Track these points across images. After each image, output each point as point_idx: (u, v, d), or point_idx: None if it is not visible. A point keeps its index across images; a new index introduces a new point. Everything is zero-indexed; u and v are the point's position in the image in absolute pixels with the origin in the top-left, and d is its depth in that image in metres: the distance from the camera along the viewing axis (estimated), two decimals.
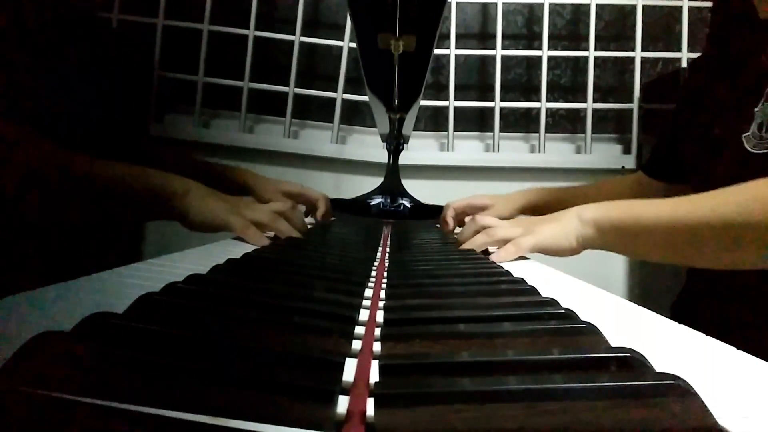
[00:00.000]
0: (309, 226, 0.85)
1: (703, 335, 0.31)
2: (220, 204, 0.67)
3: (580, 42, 1.44)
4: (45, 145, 0.62)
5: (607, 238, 0.62)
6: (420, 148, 1.43)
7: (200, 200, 0.67)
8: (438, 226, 0.98)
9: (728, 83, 0.73)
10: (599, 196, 0.93)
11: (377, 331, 0.28)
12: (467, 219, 0.74)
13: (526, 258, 0.65)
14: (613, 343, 0.26)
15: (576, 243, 0.62)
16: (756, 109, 0.66)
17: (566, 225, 0.63)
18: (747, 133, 0.66)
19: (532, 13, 1.47)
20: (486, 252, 0.66)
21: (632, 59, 1.40)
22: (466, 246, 0.66)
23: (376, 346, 0.26)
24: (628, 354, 0.22)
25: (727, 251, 0.56)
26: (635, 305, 0.39)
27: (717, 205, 0.55)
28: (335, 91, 1.40)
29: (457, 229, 0.90)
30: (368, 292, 0.38)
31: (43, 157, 0.61)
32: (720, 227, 0.54)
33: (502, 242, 0.64)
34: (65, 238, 0.75)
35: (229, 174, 0.97)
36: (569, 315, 0.30)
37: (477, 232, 0.67)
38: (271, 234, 0.69)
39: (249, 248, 0.58)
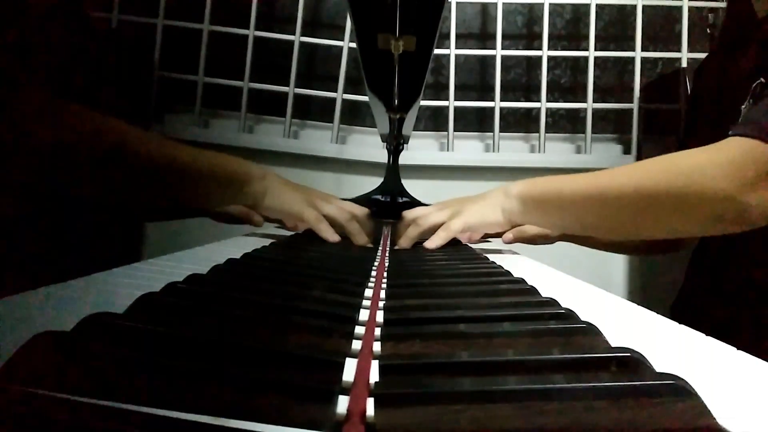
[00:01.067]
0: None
1: (703, 335, 0.31)
2: (297, 194, 0.67)
3: (580, 42, 1.44)
4: (115, 123, 0.60)
5: (530, 210, 0.63)
6: (420, 148, 1.43)
7: (277, 187, 0.67)
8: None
9: (728, 83, 0.72)
10: None
11: (377, 331, 0.28)
12: (401, 219, 0.74)
13: (517, 254, 0.65)
14: (613, 343, 0.26)
15: (503, 217, 0.64)
16: (743, 107, 0.66)
17: (492, 200, 0.64)
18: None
19: (532, 13, 1.47)
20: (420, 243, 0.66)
21: (632, 59, 1.40)
22: (401, 244, 0.66)
23: (376, 346, 0.26)
24: (628, 354, 0.22)
25: (642, 220, 0.56)
26: (635, 305, 0.39)
27: (633, 175, 0.56)
28: (335, 91, 1.40)
29: None
30: (368, 292, 0.38)
31: (120, 136, 0.59)
32: (635, 196, 0.54)
33: (433, 229, 0.64)
34: (65, 238, 0.74)
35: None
36: (569, 315, 0.30)
37: (407, 227, 0.68)
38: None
39: (249, 248, 0.58)
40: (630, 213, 0.56)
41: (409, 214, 0.69)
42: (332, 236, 0.64)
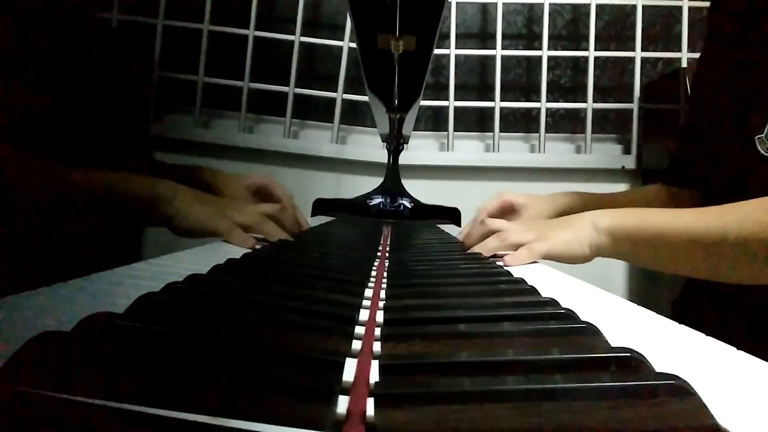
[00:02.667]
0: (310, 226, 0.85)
1: (703, 335, 0.31)
2: (207, 208, 0.65)
3: (580, 42, 1.45)
4: (23, 157, 0.61)
5: (621, 247, 0.60)
6: (420, 148, 1.43)
7: (187, 205, 0.65)
8: (459, 237, 0.89)
9: (733, 82, 0.72)
10: (635, 203, 0.90)
11: (377, 331, 0.28)
12: (477, 221, 0.70)
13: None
14: (613, 343, 0.26)
15: (589, 251, 0.61)
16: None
17: (580, 231, 0.61)
18: (761, 135, 0.65)
19: (532, 13, 1.47)
20: (494, 255, 0.63)
21: (632, 59, 1.40)
22: (476, 249, 0.63)
23: (376, 346, 0.26)
24: (628, 354, 0.22)
25: (748, 266, 0.55)
26: (635, 305, 0.39)
27: (743, 218, 0.54)
28: (335, 91, 1.40)
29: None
30: (368, 292, 0.38)
31: (22, 170, 0.60)
32: (744, 241, 0.53)
33: (514, 247, 0.61)
34: (65, 238, 0.74)
35: (192, 174, 0.91)
36: (569, 315, 0.30)
37: (486, 235, 0.64)
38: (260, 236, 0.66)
39: (249, 248, 0.58)
40: (740, 259, 0.55)
41: (491, 223, 0.65)
42: (245, 242, 0.61)
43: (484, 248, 0.63)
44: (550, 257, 0.61)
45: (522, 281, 0.42)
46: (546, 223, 0.66)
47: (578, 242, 0.61)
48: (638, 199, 0.92)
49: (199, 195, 0.67)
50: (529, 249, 0.59)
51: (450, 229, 1.01)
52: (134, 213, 0.67)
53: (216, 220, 0.64)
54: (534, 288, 0.39)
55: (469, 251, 0.64)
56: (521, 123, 1.48)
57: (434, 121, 1.48)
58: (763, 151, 0.64)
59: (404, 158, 1.21)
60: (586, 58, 1.40)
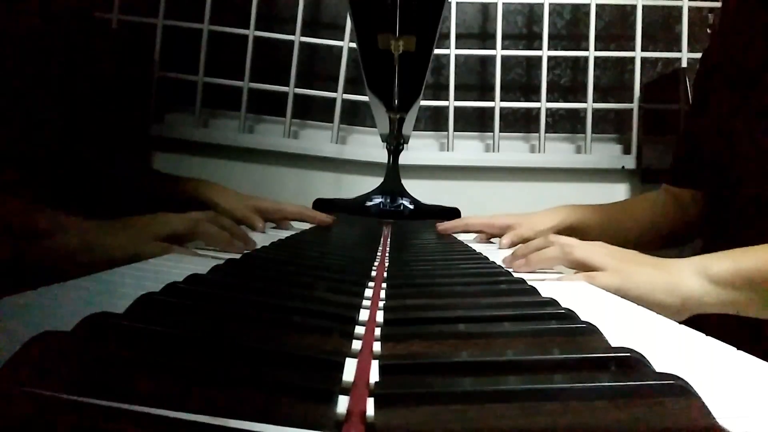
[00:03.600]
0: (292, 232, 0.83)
1: (703, 335, 0.31)
2: (119, 232, 0.54)
3: (580, 42, 1.44)
4: None
5: (740, 296, 0.49)
6: (420, 148, 1.43)
7: (89, 234, 0.53)
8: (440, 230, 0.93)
9: (741, 79, 0.71)
10: (635, 215, 0.89)
11: (377, 331, 0.28)
12: (539, 239, 0.59)
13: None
14: (613, 343, 0.26)
15: (681, 303, 0.49)
16: None
17: (677, 278, 0.49)
18: None
19: (532, 13, 1.47)
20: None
21: (632, 59, 1.40)
22: (531, 261, 0.53)
23: (376, 346, 0.26)
24: (628, 354, 0.22)
25: None
26: (635, 305, 0.39)
27: None
28: (335, 91, 1.40)
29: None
30: (368, 292, 0.38)
31: None
32: None
33: (576, 265, 0.51)
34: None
35: (186, 188, 0.83)
36: (569, 315, 0.30)
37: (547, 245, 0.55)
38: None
39: (249, 248, 0.58)
40: None
41: (557, 238, 0.56)
42: (221, 240, 0.55)
43: (542, 258, 0.53)
44: (619, 294, 0.47)
45: (522, 281, 0.42)
46: (630, 254, 0.53)
47: (671, 291, 0.49)
48: (645, 207, 0.91)
49: (105, 223, 0.56)
50: (589, 277, 0.49)
51: None
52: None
53: (139, 243, 0.53)
54: (534, 288, 0.39)
55: (519, 265, 0.54)
56: (521, 123, 1.48)
57: (434, 121, 1.48)
58: None
59: (404, 158, 1.21)
60: (586, 58, 1.40)
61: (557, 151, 1.44)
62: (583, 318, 0.30)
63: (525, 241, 0.66)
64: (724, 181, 0.72)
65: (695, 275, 0.50)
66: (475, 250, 0.64)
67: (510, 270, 0.53)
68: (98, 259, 0.51)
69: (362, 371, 0.22)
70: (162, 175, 0.92)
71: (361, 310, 0.32)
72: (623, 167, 1.38)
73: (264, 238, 0.67)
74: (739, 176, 0.68)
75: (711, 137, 0.76)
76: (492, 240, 0.87)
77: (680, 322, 0.34)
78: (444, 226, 0.87)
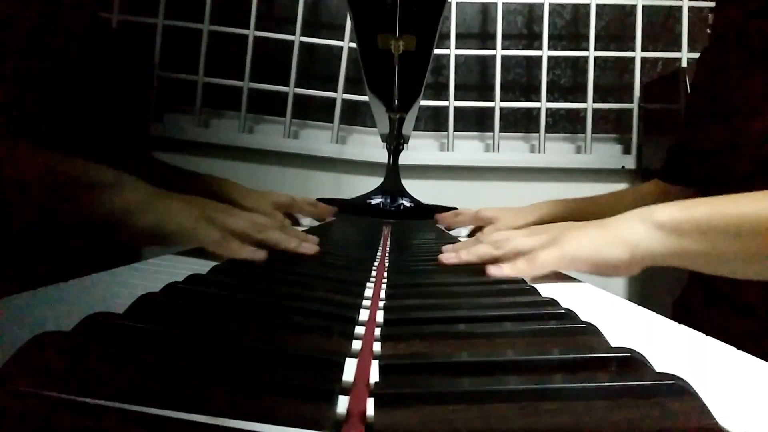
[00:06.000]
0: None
1: (703, 335, 0.31)
2: (179, 205, 0.48)
3: (580, 42, 1.44)
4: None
5: (686, 245, 0.46)
6: (420, 148, 1.43)
7: (148, 199, 0.47)
8: (436, 221, 0.98)
9: (743, 76, 0.71)
10: (619, 206, 0.89)
11: (377, 331, 0.28)
12: (477, 235, 0.57)
13: None
14: (613, 343, 0.26)
15: (628, 255, 0.45)
16: None
17: (618, 229, 0.47)
18: None
19: (532, 13, 1.47)
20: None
21: (632, 59, 1.40)
22: (461, 255, 0.50)
23: (376, 346, 0.26)
24: (628, 354, 0.22)
25: None
26: (635, 305, 0.39)
27: None
28: (335, 91, 1.40)
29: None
30: (368, 292, 0.38)
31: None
32: None
33: (512, 256, 0.48)
34: (65, 237, 0.74)
35: (212, 187, 0.83)
36: (569, 315, 0.30)
37: (476, 242, 0.53)
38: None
39: None
40: None
41: (495, 234, 0.53)
42: (253, 254, 0.46)
43: (471, 253, 0.50)
44: (564, 267, 0.46)
45: (522, 281, 0.42)
46: (569, 224, 0.51)
47: (614, 243, 0.46)
48: (634, 199, 0.91)
49: (159, 190, 0.50)
50: (529, 258, 0.46)
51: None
52: (71, 204, 0.46)
53: (199, 224, 0.47)
54: (534, 288, 0.39)
55: (448, 260, 0.51)
56: (521, 123, 1.48)
57: (434, 121, 1.48)
58: None
59: (404, 158, 1.21)
60: (586, 58, 1.40)
61: (557, 151, 1.44)
62: (583, 318, 0.30)
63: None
64: (723, 174, 0.72)
65: (639, 222, 0.47)
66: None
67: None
68: (156, 228, 0.47)
69: (362, 371, 0.22)
70: (176, 169, 0.92)
71: (361, 310, 0.32)
72: (623, 167, 1.38)
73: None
74: (744, 164, 0.68)
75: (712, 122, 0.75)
76: None
77: (680, 322, 0.34)
78: (439, 216, 0.96)
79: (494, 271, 0.46)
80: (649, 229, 0.46)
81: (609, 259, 0.45)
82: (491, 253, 0.50)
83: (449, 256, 0.51)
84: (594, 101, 1.39)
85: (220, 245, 0.47)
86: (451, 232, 0.93)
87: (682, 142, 0.86)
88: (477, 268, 0.50)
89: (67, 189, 0.46)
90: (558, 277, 0.49)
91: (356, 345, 0.26)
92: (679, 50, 1.40)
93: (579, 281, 0.49)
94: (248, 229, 0.49)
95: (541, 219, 0.83)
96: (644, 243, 0.46)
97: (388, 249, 0.66)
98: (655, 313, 0.37)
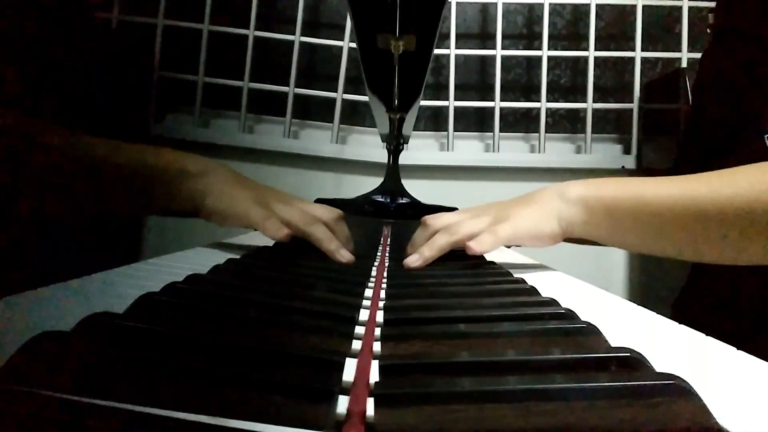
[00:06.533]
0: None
1: (703, 335, 0.31)
2: (245, 192, 0.54)
3: (580, 42, 1.44)
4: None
5: (596, 221, 0.50)
6: (420, 148, 1.43)
7: (222, 185, 0.54)
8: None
9: (745, 76, 0.71)
10: None
11: (377, 331, 0.28)
12: (421, 226, 0.59)
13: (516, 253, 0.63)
14: (613, 343, 0.26)
15: (559, 227, 0.51)
16: None
17: (545, 205, 0.52)
18: None
19: (532, 13, 1.47)
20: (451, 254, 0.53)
21: (632, 59, 1.40)
22: (424, 254, 0.51)
23: (376, 346, 0.26)
24: (628, 354, 0.22)
25: (763, 240, 0.45)
26: (635, 305, 0.39)
27: (755, 181, 0.44)
28: (335, 91, 1.40)
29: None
30: (368, 292, 0.38)
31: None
32: (758, 209, 0.43)
33: (470, 239, 0.51)
34: (65, 237, 0.74)
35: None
36: (569, 315, 0.30)
37: (431, 236, 0.54)
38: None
39: (250, 249, 0.58)
40: (747, 232, 0.45)
41: (434, 220, 0.56)
42: (278, 232, 0.51)
43: (432, 248, 0.52)
44: (517, 240, 0.52)
45: (522, 281, 0.42)
46: (502, 204, 0.56)
47: (546, 218, 0.51)
48: None
49: (240, 177, 0.57)
50: (491, 232, 0.51)
51: None
52: (156, 191, 0.55)
53: (251, 206, 0.53)
54: (534, 288, 0.39)
55: (411, 263, 0.51)
56: (521, 123, 1.48)
57: (434, 121, 1.48)
58: None
59: (404, 158, 1.21)
60: (586, 58, 1.40)
61: (557, 151, 1.44)
62: (583, 318, 0.30)
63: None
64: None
65: (556, 198, 0.52)
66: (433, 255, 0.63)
67: (503, 266, 0.53)
68: (222, 211, 0.54)
69: (362, 371, 0.22)
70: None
71: (361, 310, 0.32)
72: (623, 167, 1.38)
73: (264, 238, 0.67)
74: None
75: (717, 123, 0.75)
76: None
77: (680, 322, 0.34)
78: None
79: (475, 246, 0.50)
80: (565, 204, 0.52)
81: (548, 232, 0.51)
82: (449, 240, 0.53)
83: (413, 259, 0.52)
84: (594, 101, 1.39)
85: (261, 224, 0.52)
86: None
87: (687, 146, 0.86)
88: (477, 268, 0.50)
89: (161, 179, 0.54)
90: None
91: (356, 345, 0.26)
92: (679, 50, 1.40)
93: (579, 279, 0.49)
94: (295, 218, 0.54)
95: None
96: (564, 216, 0.51)
97: (388, 249, 0.66)
98: (655, 313, 0.37)
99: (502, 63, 1.40)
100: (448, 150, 1.41)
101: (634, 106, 1.39)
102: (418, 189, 1.15)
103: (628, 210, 0.49)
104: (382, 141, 1.16)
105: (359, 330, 0.28)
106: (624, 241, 0.53)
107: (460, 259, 0.55)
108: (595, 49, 1.40)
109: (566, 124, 1.47)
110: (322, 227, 0.54)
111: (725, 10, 0.79)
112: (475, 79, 1.49)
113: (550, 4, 1.40)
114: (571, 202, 0.51)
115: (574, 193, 0.51)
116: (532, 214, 0.52)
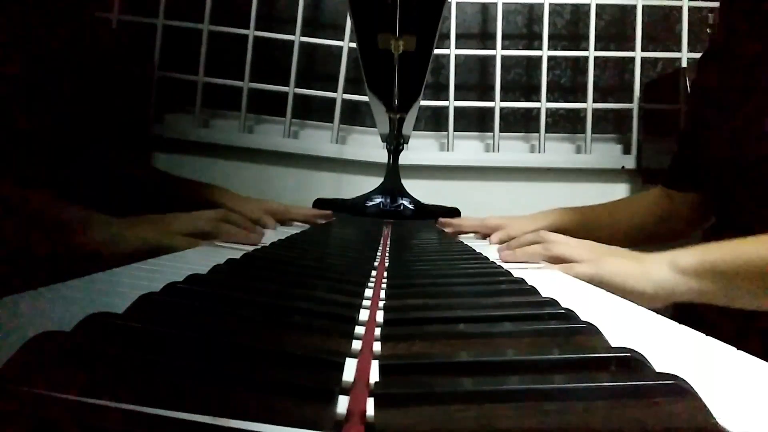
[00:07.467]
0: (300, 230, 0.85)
1: (703, 335, 0.31)
2: (144, 227, 0.58)
3: (580, 42, 1.44)
4: None
5: (705, 285, 0.54)
6: (420, 148, 1.43)
7: (118, 228, 0.57)
8: (440, 224, 0.98)
9: (745, 78, 0.71)
10: (628, 214, 0.91)
11: (377, 331, 0.28)
12: (531, 234, 0.64)
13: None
14: (613, 343, 0.26)
15: (654, 291, 0.54)
16: None
17: (650, 269, 0.54)
18: None
19: (532, 13, 1.47)
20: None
21: (632, 59, 1.40)
22: (517, 253, 0.59)
23: (376, 346, 0.26)
24: (628, 354, 0.22)
25: None
26: (635, 305, 0.39)
27: None
28: (335, 91, 1.40)
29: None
30: (368, 292, 0.38)
31: None
32: None
33: (556, 260, 0.56)
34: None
35: (202, 193, 0.90)
36: (569, 315, 0.30)
37: (531, 243, 0.61)
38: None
39: (249, 248, 0.58)
40: None
41: (547, 234, 0.61)
42: (190, 244, 0.57)
43: (524, 252, 0.59)
44: (595, 284, 0.52)
45: (522, 281, 0.42)
46: (609, 249, 0.59)
47: (642, 279, 0.54)
48: (636, 208, 0.92)
49: (112, 219, 0.60)
50: (567, 268, 0.55)
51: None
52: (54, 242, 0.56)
53: (164, 237, 0.58)
54: (534, 288, 0.39)
55: (505, 257, 0.59)
56: (521, 123, 1.48)
57: (434, 121, 1.48)
58: None
59: (404, 158, 1.21)
60: (586, 58, 1.40)
61: (557, 151, 1.44)
62: (583, 318, 0.30)
63: (512, 238, 0.71)
64: (729, 176, 0.72)
65: (665, 266, 0.55)
66: (474, 250, 0.64)
67: (503, 266, 0.53)
68: (125, 252, 0.56)
69: (362, 371, 0.22)
70: (174, 178, 0.95)
71: (361, 310, 0.32)
72: (623, 167, 1.38)
73: (263, 238, 0.67)
74: (749, 165, 0.68)
75: (715, 128, 0.76)
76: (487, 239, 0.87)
77: (680, 322, 0.34)
78: (444, 220, 0.98)
79: (566, 271, 0.54)
80: (674, 274, 0.54)
81: (632, 291, 0.53)
82: (541, 254, 0.58)
83: (508, 254, 0.60)
84: (594, 101, 1.39)
85: (161, 244, 0.56)
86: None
87: (685, 146, 0.86)
88: (476, 267, 0.50)
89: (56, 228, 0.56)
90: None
91: (356, 345, 0.26)
92: (679, 50, 1.40)
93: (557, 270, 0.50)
94: (191, 229, 0.60)
95: (550, 227, 0.83)
96: (668, 284, 0.54)
97: (388, 249, 0.66)
98: (655, 313, 0.37)
99: (502, 63, 1.40)
100: (448, 150, 1.41)
101: (634, 106, 1.39)
102: (418, 189, 1.15)
103: (743, 273, 0.53)
104: (382, 141, 1.16)
105: (359, 330, 0.28)
106: (740, 301, 0.56)
107: (460, 259, 0.55)
108: (595, 49, 1.40)
109: (566, 124, 1.47)
110: (225, 225, 0.62)
111: (726, 29, 0.78)
112: (475, 79, 1.49)
113: (550, 4, 1.40)
114: (680, 271, 0.54)
115: (684, 261, 0.54)
116: (627, 268, 0.55)
